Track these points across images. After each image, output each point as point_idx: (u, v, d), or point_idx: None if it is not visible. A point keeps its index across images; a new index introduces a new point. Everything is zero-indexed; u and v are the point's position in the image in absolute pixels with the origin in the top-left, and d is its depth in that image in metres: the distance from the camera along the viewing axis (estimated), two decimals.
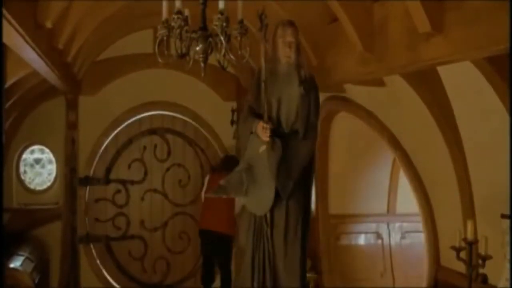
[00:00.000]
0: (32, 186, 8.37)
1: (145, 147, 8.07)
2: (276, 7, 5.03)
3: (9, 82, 5.30)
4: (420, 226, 5.72)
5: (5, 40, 3.59)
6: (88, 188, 7.85)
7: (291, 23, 3.91)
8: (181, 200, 8.16)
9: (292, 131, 3.91)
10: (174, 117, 8.18)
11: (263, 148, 3.82)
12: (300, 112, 3.88)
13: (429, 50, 3.47)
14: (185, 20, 3.13)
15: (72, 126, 7.65)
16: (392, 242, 7.63)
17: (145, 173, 8.05)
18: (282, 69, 3.90)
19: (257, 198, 3.94)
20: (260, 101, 3.88)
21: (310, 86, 3.92)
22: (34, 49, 4.02)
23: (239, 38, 3.22)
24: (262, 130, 3.78)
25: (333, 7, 4.24)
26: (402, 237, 7.67)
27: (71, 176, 7.66)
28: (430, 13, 3.27)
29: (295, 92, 3.88)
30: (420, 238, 6.02)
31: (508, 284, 3.95)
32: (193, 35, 3.17)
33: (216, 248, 6.90)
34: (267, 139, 3.78)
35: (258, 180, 3.88)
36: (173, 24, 3.11)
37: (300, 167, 3.86)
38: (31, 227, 7.86)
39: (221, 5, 3.10)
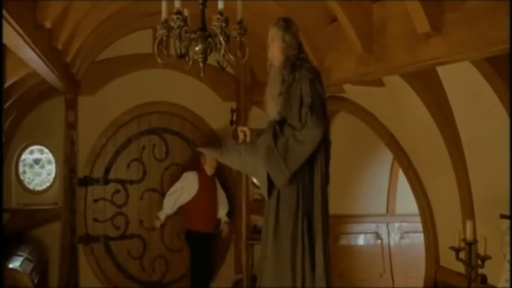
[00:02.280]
0: (31, 186, 8.36)
1: (144, 147, 8.06)
2: (275, 7, 5.03)
3: (8, 82, 5.31)
4: (419, 226, 5.72)
5: (4, 40, 3.59)
6: (87, 188, 7.85)
7: (274, 24, 3.77)
8: None
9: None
10: (172, 117, 8.17)
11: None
12: (292, 106, 3.82)
13: (429, 51, 3.47)
14: (185, 20, 3.14)
15: (71, 126, 7.65)
16: (392, 242, 7.64)
17: (144, 173, 8.05)
18: (271, 73, 3.89)
19: (258, 176, 3.91)
20: None
21: (299, 78, 3.82)
22: (33, 49, 4.02)
23: (238, 39, 3.22)
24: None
25: (333, 7, 4.24)
26: (402, 237, 7.68)
27: (70, 176, 7.66)
28: (430, 14, 3.27)
29: (274, 94, 3.86)
30: (419, 238, 6.02)
31: (507, 284, 3.96)
32: (193, 35, 3.18)
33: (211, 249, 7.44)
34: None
35: (256, 157, 3.84)
36: (172, 24, 3.11)
37: (297, 159, 3.72)
38: (30, 228, 7.85)
39: (220, 5, 3.10)
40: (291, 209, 3.83)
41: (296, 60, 3.81)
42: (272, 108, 3.88)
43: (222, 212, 7.62)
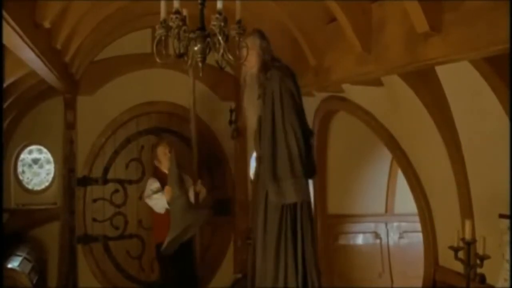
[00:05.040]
0: (30, 186, 8.36)
1: (142, 147, 8.06)
2: (274, 7, 5.04)
3: (7, 82, 5.31)
4: (418, 226, 5.72)
5: (3, 40, 3.58)
6: (86, 188, 7.85)
7: (250, 34, 4.11)
8: None
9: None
10: (171, 117, 8.17)
11: None
12: (266, 106, 4.10)
13: (427, 50, 3.47)
14: (183, 20, 3.13)
15: (70, 126, 7.65)
16: (391, 242, 7.64)
17: (143, 173, 8.05)
18: (247, 81, 4.34)
19: None
20: None
21: (270, 77, 4.14)
22: (32, 49, 4.01)
23: (237, 38, 3.22)
24: None
25: (332, 7, 4.24)
26: (400, 237, 7.68)
27: (69, 176, 7.66)
28: (428, 13, 3.28)
29: (254, 98, 4.37)
30: (418, 238, 6.02)
31: (506, 284, 3.96)
32: (191, 35, 3.17)
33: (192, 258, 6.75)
34: None
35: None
36: (171, 24, 3.10)
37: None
38: (29, 228, 7.85)
39: (219, 5, 3.09)
40: (277, 207, 4.02)
41: (270, 63, 4.09)
42: (252, 113, 4.21)
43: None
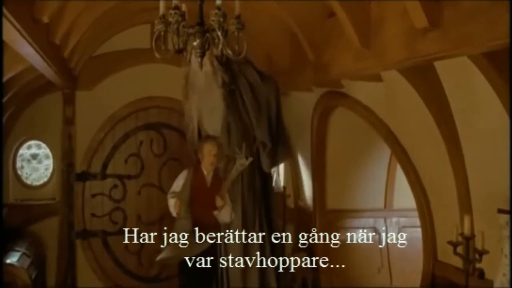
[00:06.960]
0: (29, 182, 8.37)
1: (141, 142, 8.07)
2: (273, 3, 5.03)
3: (6, 77, 5.30)
4: (417, 221, 5.72)
5: (2, 35, 3.57)
6: (85, 183, 7.84)
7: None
8: None
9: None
10: (170, 112, 8.16)
11: None
12: (245, 99, 4.01)
13: (426, 46, 3.46)
14: (182, 15, 3.13)
15: (69, 121, 7.65)
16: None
17: (142, 168, 8.05)
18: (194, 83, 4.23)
19: None
20: None
21: (240, 69, 4.04)
22: (31, 44, 4.01)
23: (236, 33, 3.22)
24: None
25: (331, 2, 4.23)
26: (399, 232, 7.68)
27: (68, 171, 7.66)
28: (428, 9, 3.27)
29: (214, 102, 4.13)
30: (417, 233, 6.02)
31: (505, 279, 3.97)
32: (190, 30, 3.17)
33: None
34: None
35: None
36: (170, 19, 3.11)
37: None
38: (28, 223, 7.86)
39: (218, 0, 3.09)
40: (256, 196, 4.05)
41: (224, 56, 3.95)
42: (212, 121, 4.01)
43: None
